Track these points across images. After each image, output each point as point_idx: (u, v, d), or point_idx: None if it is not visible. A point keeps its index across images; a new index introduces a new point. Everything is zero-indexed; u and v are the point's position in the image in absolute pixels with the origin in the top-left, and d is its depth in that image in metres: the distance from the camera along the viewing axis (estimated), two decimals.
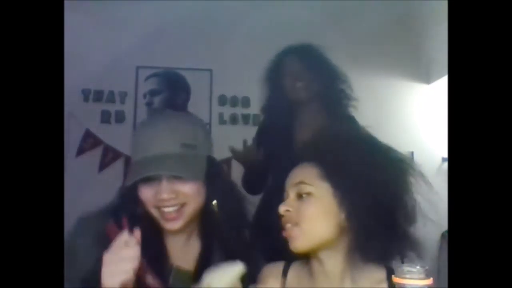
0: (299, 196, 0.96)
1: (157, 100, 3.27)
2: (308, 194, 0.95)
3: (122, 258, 0.80)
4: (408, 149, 3.40)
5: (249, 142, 1.88)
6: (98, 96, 3.17)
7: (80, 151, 2.98)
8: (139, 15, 3.23)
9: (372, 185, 0.93)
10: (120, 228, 0.86)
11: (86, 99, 3.15)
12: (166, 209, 0.94)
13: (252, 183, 1.81)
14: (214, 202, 1.00)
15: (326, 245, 0.95)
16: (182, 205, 0.95)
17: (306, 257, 1.00)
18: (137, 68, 3.25)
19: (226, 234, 0.99)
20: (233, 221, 1.02)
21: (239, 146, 3.22)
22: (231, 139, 3.14)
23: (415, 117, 3.43)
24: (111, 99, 3.19)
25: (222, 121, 3.26)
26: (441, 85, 3.31)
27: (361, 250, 0.93)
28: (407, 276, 0.70)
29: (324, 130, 1.15)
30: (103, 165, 2.88)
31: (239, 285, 0.88)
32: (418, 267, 0.70)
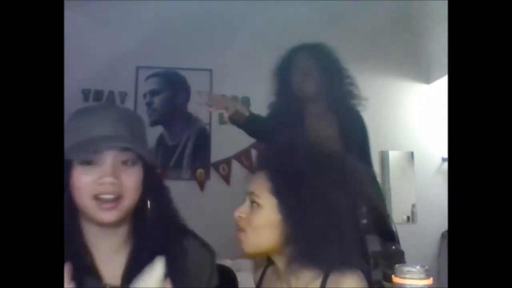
0: (252, 203, 1.01)
1: (157, 100, 3.28)
2: (258, 204, 1.00)
3: None
4: (408, 149, 3.44)
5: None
6: (98, 96, 3.17)
7: None
8: (139, 15, 3.23)
9: (318, 200, 0.96)
10: None
11: (86, 99, 3.16)
12: (106, 196, 0.88)
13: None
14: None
15: (273, 251, 1.01)
16: (120, 196, 0.90)
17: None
18: (137, 68, 3.26)
19: (157, 237, 0.94)
20: (165, 224, 0.99)
21: (239, 147, 3.22)
22: (231, 139, 3.16)
23: (415, 117, 3.43)
24: (111, 99, 3.19)
25: (222, 121, 3.27)
26: (441, 85, 3.31)
27: (299, 258, 0.97)
28: (407, 276, 0.70)
29: (282, 139, 1.16)
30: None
31: (164, 284, 0.88)
32: (418, 267, 0.70)
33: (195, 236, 1.04)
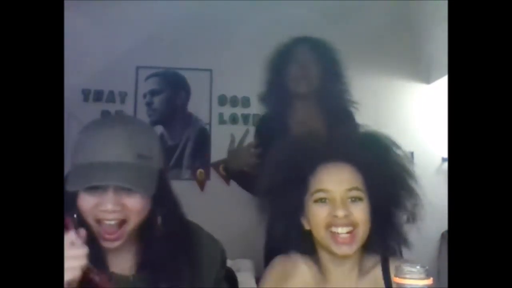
0: (350, 199, 0.97)
1: (157, 100, 3.28)
2: (359, 199, 0.97)
3: (68, 257, 0.77)
4: (408, 149, 3.42)
5: (237, 139, 1.76)
6: (98, 96, 3.17)
7: None
8: (139, 15, 3.23)
9: (385, 183, 1.00)
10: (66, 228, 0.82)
11: (86, 99, 3.16)
12: (107, 222, 0.87)
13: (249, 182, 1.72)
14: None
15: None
16: (123, 221, 0.88)
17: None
18: (137, 68, 3.25)
19: (167, 254, 0.93)
20: (175, 239, 0.96)
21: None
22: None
23: (415, 117, 3.43)
24: (111, 99, 3.19)
25: (222, 121, 3.27)
26: (441, 85, 3.31)
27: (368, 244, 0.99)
28: (407, 276, 0.70)
29: (354, 127, 1.14)
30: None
31: None
32: (418, 267, 0.70)
33: (202, 230, 1.05)
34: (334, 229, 0.95)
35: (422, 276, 0.70)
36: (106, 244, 0.89)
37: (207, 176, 3.23)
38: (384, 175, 1.00)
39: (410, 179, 1.03)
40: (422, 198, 1.02)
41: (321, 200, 0.98)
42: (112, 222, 0.87)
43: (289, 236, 1.03)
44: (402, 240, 1.04)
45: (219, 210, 2.95)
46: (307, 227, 1.01)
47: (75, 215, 0.87)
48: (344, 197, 0.96)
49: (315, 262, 1.03)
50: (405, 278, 0.70)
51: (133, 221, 0.89)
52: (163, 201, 0.94)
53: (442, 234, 3.16)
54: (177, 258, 0.94)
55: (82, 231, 0.83)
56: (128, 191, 0.87)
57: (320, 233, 0.98)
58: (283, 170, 1.03)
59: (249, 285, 2.16)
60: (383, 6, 3.27)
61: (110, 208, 0.86)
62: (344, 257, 0.98)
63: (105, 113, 3.12)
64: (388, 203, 1.01)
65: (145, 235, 0.94)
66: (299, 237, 1.03)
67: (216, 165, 3.22)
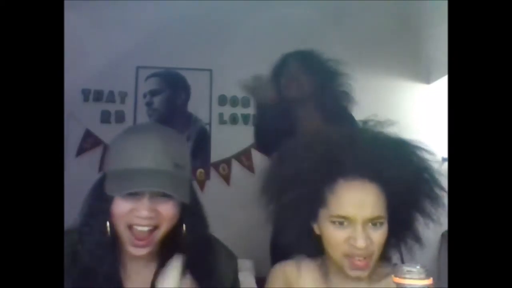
0: (371, 224, 0.91)
1: (157, 100, 3.28)
2: (381, 224, 0.92)
3: None
4: None
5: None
6: (98, 96, 3.17)
7: (80, 151, 2.99)
8: (139, 15, 3.23)
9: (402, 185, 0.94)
10: None
11: (86, 99, 3.16)
12: (140, 228, 0.88)
13: (265, 133, 1.89)
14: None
15: None
16: (155, 227, 0.89)
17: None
18: (137, 68, 3.25)
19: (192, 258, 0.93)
20: (199, 245, 0.96)
21: (239, 147, 3.22)
22: (231, 139, 3.15)
23: (415, 117, 3.43)
24: (111, 99, 3.19)
25: (222, 121, 3.26)
26: (441, 85, 3.31)
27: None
28: (407, 276, 0.70)
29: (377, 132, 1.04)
30: (103, 165, 2.88)
31: (182, 278, 0.89)
32: (418, 267, 0.70)
33: (219, 243, 1.04)
34: (352, 258, 0.91)
35: (422, 276, 0.70)
36: (135, 251, 0.89)
37: (207, 176, 3.23)
38: (408, 187, 0.94)
39: (435, 186, 0.98)
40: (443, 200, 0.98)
41: (340, 223, 0.91)
42: (145, 229, 0.88)
43: (298, 241, 0.99)
44: (418, 242, 1.02)
45: (219, 210, 2.94)
46: (317, 232, 0.97)
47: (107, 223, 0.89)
48: (365, 224, 0.90)
49: (321, 264, 1.00)
50: (404, 278, 0.70)
51: (164, 228, 0.90)
52: (191, 210, 0.94)
53: (442, 234, 3.16)
54: (196, 268, 0.94)
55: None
56: (162, 198, 0.88)
57: (335, 255, 0.93)
58: (296, 180, 0.96)
59: (249, 285, 2.16)
60: (383, 6, 3.27)
61: (146, 214, 0.86)
62: (357, 278, 0.94)
63: (105, 113, 3.12)
64: (410, 218, 0.98)
65: (169, 244, 0.94)
66: (309, 242, 0.99)
67: (216, 165, 3.22)
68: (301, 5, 3.21)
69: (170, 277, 0.87)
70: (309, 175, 0.94)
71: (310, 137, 1.03)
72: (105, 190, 0.87)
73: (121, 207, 0.87)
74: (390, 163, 0.93)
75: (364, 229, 0.89)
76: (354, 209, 0.89)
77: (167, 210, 0.89)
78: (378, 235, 0.91)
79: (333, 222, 0.91)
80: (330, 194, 0.92)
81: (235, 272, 1.05)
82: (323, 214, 0.94)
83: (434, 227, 1.00)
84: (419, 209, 0.98)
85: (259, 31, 3.23)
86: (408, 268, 0.70)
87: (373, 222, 0.90)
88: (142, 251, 0.89)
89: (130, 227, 0.88)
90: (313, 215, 0.96)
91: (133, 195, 0.87)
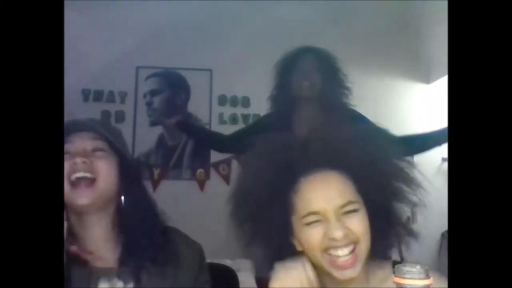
0: (345, 213, 0.87)
1: (157, 100, 3.28)
2: (355, 210, 0.87)
3: None
4: None
5: None
6: (98, 96, 3.17)
7: None
8: (139, 15, 3.23)
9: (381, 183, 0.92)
10: None
11: (86, 99, 3.16)
12: (79, 174, 0.92)
13: None
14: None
15: None
16: (93, 179, 0.93)
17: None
18: (137, 68, 3.25)
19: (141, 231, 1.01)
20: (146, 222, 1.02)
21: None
22: None
23: (415, 117, 3.43)
24: (111, 99, 3.19)
25: (222, 121, 3.27)
26: (441, 85, 3.31)
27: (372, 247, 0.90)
28: (407, 276, 0.70)
29: (335, 130, 0.98)
30: None
31: None
32: (418, 267, 0.70)
33: (179, 233, 1.07)
34: (333, 252, 0.86)
35: (422, 276, 0.70)
36: (79, 200, 0.91)
37: (207, 176, 3.23)
38: (380, 173, 0.91)
39: (410, 171, 0.95)
40: (424, 193, 0.95)
41: (313, 221, 0.87)
42: (82, 175, 0.92)
43: (282, 256, 0.94)
44: (411, 235, 0.98)
45: (219, 210, 2.95)
46: (299, 248, 0.92)
47: None
48: (339, 214, 0.86)
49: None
50: (404, 278, 0.70)
51: (103, 182, 0.94)
52: (127, 182, 0.99)
53: (442, 234, 3.16)
54: (155, 258, 0.97)
55: None
56: (95, 151, 0.96)
57: (316, 257, 0.88)
58: (258, 190, 0.92)
59: (249, 285, 2.16)
60: (383, 6, 3.27)
61: (80, 160, 0.92)
62: (348, 281, 0.87)
63: (105, 113, 3.12)
64: (388, 203, 0.93)
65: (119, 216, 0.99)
66: (292, 257, 0.93)
67: (216, 165, 3.22)
68: (301, 5, 3.21)
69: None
70: (271, 185, 0.91)
71: (265, 146, 0.98)
72: None
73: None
74: (349, 149, 0.91)
75: (338, 219, 0.85)
76: (321, 201, 0.86)
77: (101, 162, 0.95)
78: (356, 222, 0.86)
79: (308, 224, 0.87)
80: (295, 196, 0.90)
81: (201, 260, 1.06)
82: (296, 221, 0.91)
83: (430, 219, 0.99)
84: (394, 191, 0.94)
85: (259, 31, 3.23)
86: (408, 268, 0.70)
87: (346, 210, 0.87)
88: (86, 198, 0.92)
89: (71, 182, 0.92)
90: (287, 229, 0.92)
91: (68, 154, 0.93)
